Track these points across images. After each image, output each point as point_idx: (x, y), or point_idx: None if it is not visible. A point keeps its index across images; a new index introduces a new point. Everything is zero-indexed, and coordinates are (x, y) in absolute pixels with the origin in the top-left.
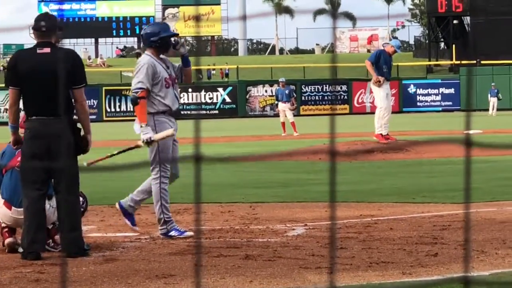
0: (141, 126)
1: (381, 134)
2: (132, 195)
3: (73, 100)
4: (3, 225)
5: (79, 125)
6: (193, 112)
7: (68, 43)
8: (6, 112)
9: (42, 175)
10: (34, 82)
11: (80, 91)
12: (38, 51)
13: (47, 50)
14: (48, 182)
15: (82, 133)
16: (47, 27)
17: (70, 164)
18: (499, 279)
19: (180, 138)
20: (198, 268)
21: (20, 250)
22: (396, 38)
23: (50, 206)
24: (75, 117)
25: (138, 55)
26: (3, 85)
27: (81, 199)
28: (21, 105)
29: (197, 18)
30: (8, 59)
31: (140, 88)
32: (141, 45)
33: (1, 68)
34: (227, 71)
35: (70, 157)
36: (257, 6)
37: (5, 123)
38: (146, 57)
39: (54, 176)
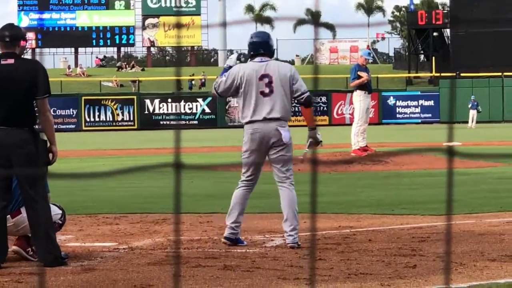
0: (314, 129)
1: (358, 149)
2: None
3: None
4: None
5: (44, 136)
6: (172, 122)
7: (48, 53)
8: None
9: (5, 183)
10: None
11: (44, 101)
12: (2, 61)
13: (10, 61)
14: (11, 191)
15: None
16: (11, 37)
17: (34, 173)
18: None
19: (159, 149)
20: (176, 279)
21: None
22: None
23: None
24: (38, 127)
25: (119, 68)
26: None
27: (59, 211)
28: None
29: (178, 26)
30: None
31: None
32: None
33: None
34: (203, 81)
35: (33, 167)
36: (237, 16)
37: None
38: None
39: (19, 186)
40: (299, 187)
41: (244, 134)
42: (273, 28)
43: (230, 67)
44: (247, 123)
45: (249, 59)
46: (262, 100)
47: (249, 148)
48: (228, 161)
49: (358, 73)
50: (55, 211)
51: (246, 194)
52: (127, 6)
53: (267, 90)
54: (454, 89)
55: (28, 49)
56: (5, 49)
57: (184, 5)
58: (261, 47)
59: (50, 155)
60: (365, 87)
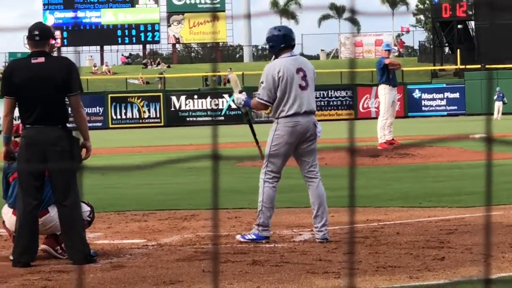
0: None
1: (384, 142)
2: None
3: (69, 108)
4: (13, 234)
5: (76, 134)
6: (198, 118)
7: (73, 51)
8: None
9: (37, 183)
10: (29, 91)
11: (76, 98)
12: (33, 60)
13: (41, 59)
14: (43, 191)
15: (81, 141)
16: (41, 36)
17: (66, 171)
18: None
19: (186, 145)
20: (215, 275)
21: (11, 257)
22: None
23: None
24: (71, 125)
25: (145, 65)
26: None
27: (88, 208)
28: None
29: (214, 18)
30: None
31: None
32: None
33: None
34: (229, 77)
35: (66, 165)
36: (262, 12)
37: None
38: None
39: (51, 184)
40: (325, 181)
41: (278, 127)
42: (297, 22)
43: (244, 100)
44: (287, 116)
45: (273, 54)
46: (301, 93)
47: (285, 141)
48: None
49: (390, 60)
50: (84, 209)
51: (276, 191)
52: (152, 3)
53: (303, 84)
54: (491, 80)
55: (55, 48)
56: (35, 48)
57: (208, 1)
58: (292, 40)
59: (84, 151)
60: (389, 80)
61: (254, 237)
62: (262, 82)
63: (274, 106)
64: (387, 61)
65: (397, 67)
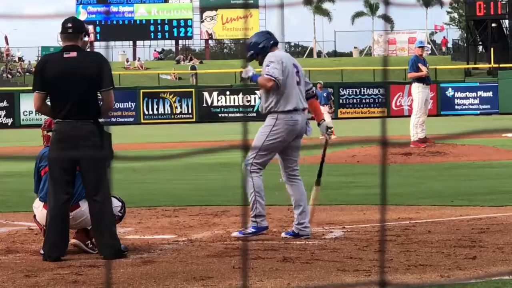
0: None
1: (417, 140)
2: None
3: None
4: (44, 228)
5: (107, 128)
6: (231, 115)
7: (106, 46)
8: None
9: (68, 177)
10: (61, 86)
11: (108, 93)
12: (65, 55)
13: (73, 54)
14: (74, 185)
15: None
16: (74, 29)
17: (98, 165)
18: None
19: (218, 141)
20: (245, 271)
21: (42, 251)
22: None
23: None
24: (102, 120)
25: (178, 62)
26: None
27: (119, 203)
28: None
29: (246, 12)
30: None
31: None
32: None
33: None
34: None
35: (98, 159)
36: (296, 9)
37: (40, 125)
38: None
39: (82, 179)
40: (357, 179)
41: (277, 123)
42: (330, 19)
43: (254, 74)
44: (287, 112)
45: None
46: (297, 89)
47: (282, 139)
48: None
49: (419, 65)
50: (115, 204)
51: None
52: None
53: (297, 79)
54: None
55: (88, 44)
56: (68, 41)
57: None
58: (275, 38)
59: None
60: (423, 78)
61: (254, 230)
62: (271, 62)
63: (273, 98)
64: (409, 76)
65: (421, 76)
